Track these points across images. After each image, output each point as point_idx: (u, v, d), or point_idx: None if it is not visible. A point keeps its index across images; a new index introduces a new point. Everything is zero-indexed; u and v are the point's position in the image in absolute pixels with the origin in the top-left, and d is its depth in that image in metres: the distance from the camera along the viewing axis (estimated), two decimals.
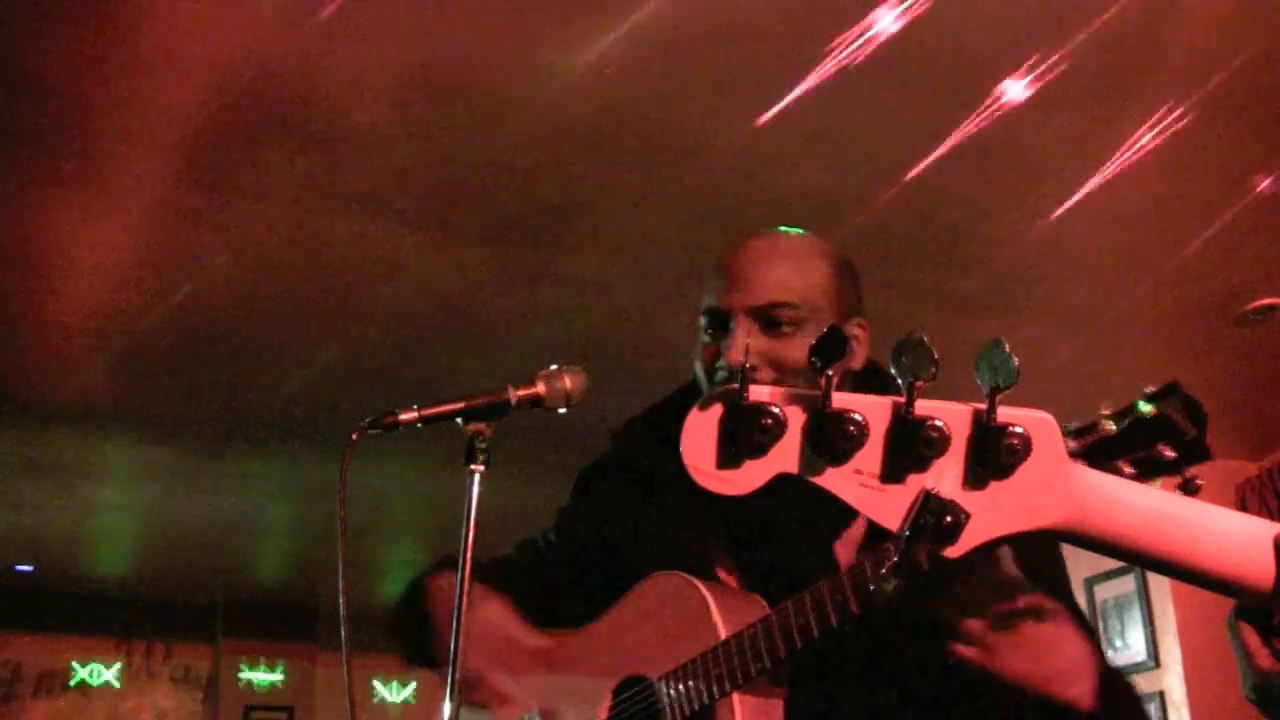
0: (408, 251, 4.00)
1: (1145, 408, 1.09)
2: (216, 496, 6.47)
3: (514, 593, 2.01)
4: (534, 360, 1.94)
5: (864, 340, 1.87)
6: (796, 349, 1.77)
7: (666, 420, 1.95)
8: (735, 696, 1.67)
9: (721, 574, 1.84)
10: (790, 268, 1.83)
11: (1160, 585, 5.71)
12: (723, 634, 1.71)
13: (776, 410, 0.81)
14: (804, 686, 1.69)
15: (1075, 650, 1.52)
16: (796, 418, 0.82)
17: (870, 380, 1.80)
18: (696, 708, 1.72)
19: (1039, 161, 3.53)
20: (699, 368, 1.86)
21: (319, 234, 3.91)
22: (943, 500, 0.83)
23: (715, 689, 1.69)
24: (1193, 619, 5.63)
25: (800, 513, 1.63)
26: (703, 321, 1.86)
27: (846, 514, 1.63)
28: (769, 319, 1.79)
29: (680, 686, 1.75)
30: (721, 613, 1.73)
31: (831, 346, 0.80)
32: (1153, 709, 5.70)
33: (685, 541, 1.87)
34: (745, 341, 1.77)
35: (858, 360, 1.85)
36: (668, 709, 1.77)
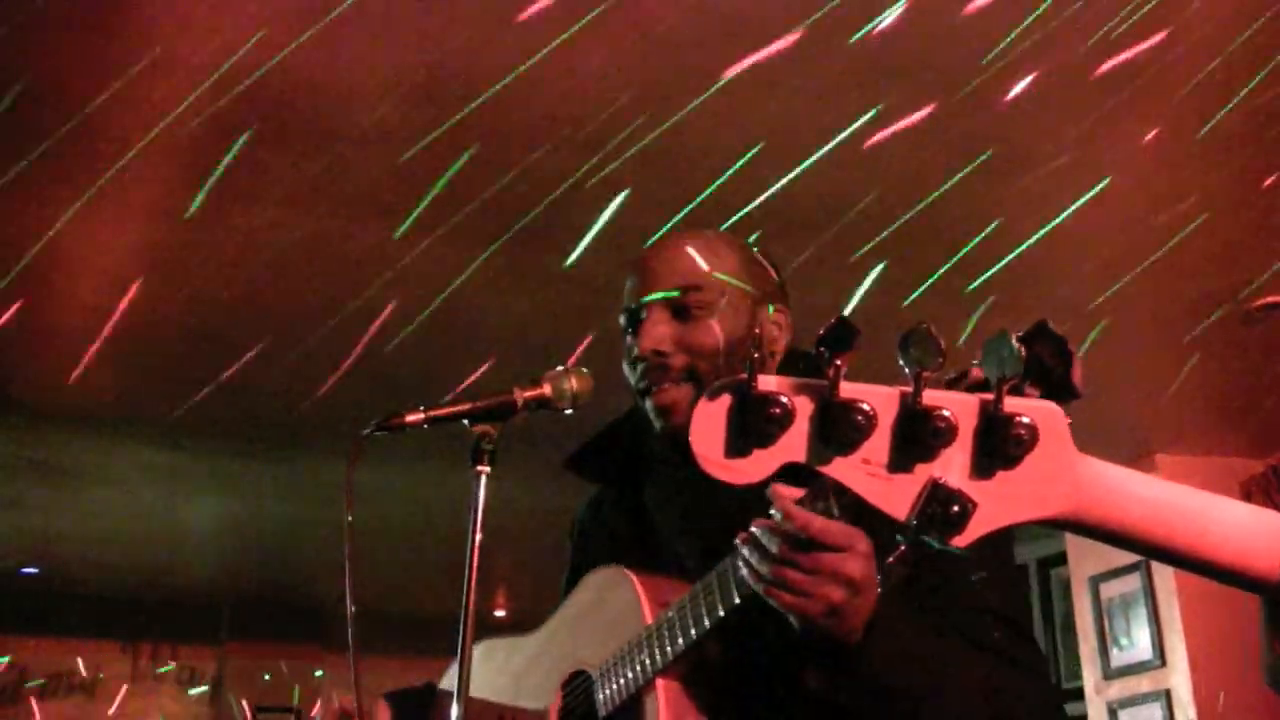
0: (412, 253, 4.00)
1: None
2: (222, 499, 6.48)
3: None
4: (540, 362, 1.95)
5: (785, 326, 1.91)
6: (708, 332, 1.82)
7: (616, 444, 2.03)
8: (659, 682, 1.69)
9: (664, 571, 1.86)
10: (695, 255, 1.87)
11: (1166, 583, 5.70)
12: (648, 620, 1.73)
13: (785, 399, 0.82)
14: (735, 672, 1.69)
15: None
16: (805, 407, 0.83)
17: (794, 365, 1.85)
18: (628, 695, 1.74)
19: (1043, 159, 3.53)
20: (626, 370, 1.89)
21: (323, 235, 3.91)
22: (950, 490, 0.84)
23: (642, 675, 1.71)
24: (1198, 618, 5.63)
25: (751, 510, 1.64)
26: (621, 324, 1.92)
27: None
28: (678, 305, 1.83)
29: (613, 675, 1.78)
30: (650, 600, 1.76)
31: (838, 336, 0.81)
32: (1159, 708, 5.70)
33: (628, 557, 1.90)
34: (657, 330, 1.82)
35: (780, 346, 1.89)
36: (603, 699, 1.80)
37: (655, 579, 1.80)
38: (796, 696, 1.57)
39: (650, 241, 2.02)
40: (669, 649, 1.67)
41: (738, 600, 1.57)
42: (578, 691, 1.88)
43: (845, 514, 1.46)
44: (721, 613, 1.59)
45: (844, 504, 1.45)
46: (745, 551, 1.51)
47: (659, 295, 1.84)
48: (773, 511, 1.48)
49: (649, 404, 1.83)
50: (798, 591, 1.46)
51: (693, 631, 1.63)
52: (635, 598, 1.78)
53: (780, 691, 1.61)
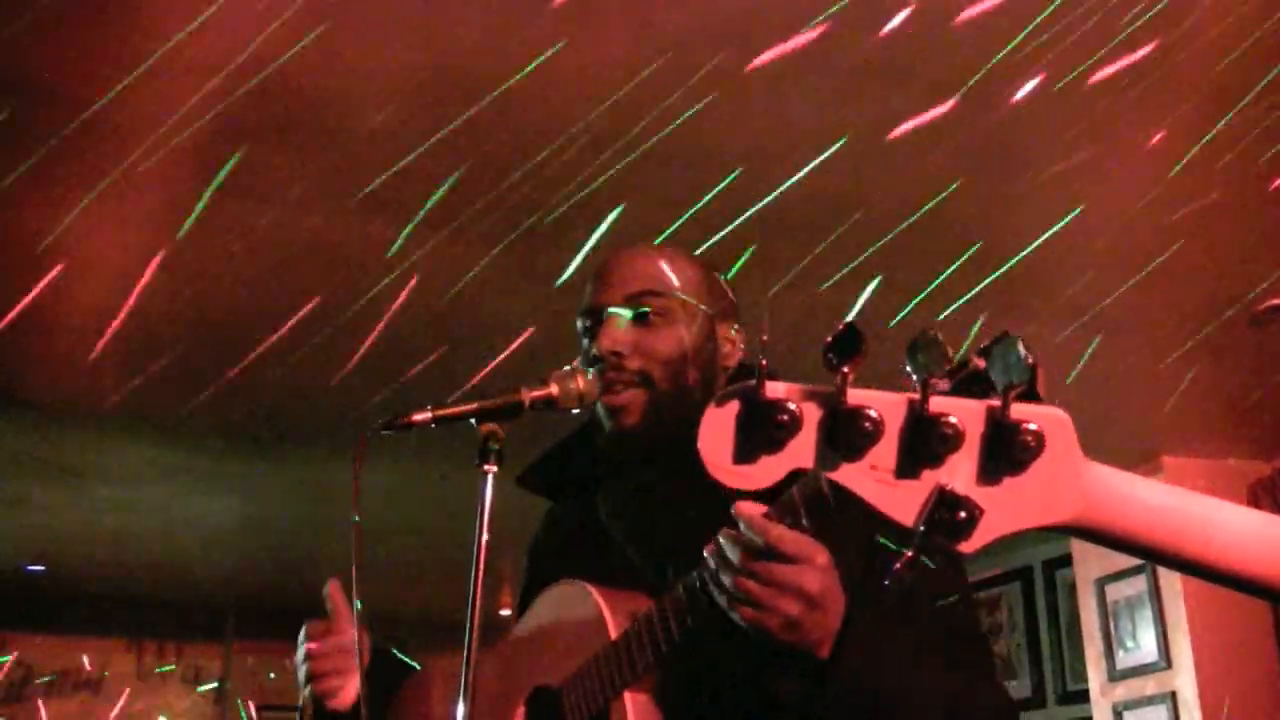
0: (419, 252, 4.01)
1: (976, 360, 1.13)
2: (228, 497, 6.49)
3: None
4: (547, 361, 1.95)
5: (738, 343, 1.96)
6: (665, 339, 1.85)
7: (568, 459, 2.05)
8: (627, 695, 1.68)
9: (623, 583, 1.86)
10: (658, 264, 1.91)
11: (1172, 586, 5.70)
12: (613, 635, 1.72)
13: (793, 406, 0.82)
14: (706, 683, 1.69)
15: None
16: (812, 413, 0.83)
17: (743, 379, 1.89)
18: (594, 710, 1.73)
19: (1052, 160, 3.53)
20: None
21: (330, 235, 3.92)
22: (957, 496, 0.84)
23: (609, 690, 1.70)
24: (1204, 620, 5.63)
25: (703, 513, 1.64)
26: (579, 326, 1.94)
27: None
28: (638, 311, 1.86)
29: (579, 691, 1.77)
30: (612, 613, 1.75)
31: (846, 343, 0.81)
32: (1164, 710, 5.69)
33: (582, 569, 1.90)
34: (616, 332, 1.84)
35: (733, 360, 1.93)
36: (569, 715, 1.78)
37: (617, 592, 1.80)
38: (768, 708, 1.57)
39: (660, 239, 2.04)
40: (637, 662, 1.66)
41: (703, 613, 1.57)
42: (542, 707, 1.87)
43: (813, 529, 1.47)
44: (689, 624, 1.59)
45: (813, 518, 1.45)
46: (710, 562, 1.52)
47: (620, 299, 1.87)
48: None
49: (603, 404, 1.86)
50: (754, 604, 1.46)
51: (661, 644, 1.62)
52: (598, 611, 1.77)
53: (752, 703, 1.61)
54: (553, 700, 1.84)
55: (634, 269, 1.90)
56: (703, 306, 1.90)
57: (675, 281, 1.88)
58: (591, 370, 1.84)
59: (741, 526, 1.49)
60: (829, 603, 1.47)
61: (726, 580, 1.49)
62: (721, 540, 1.50)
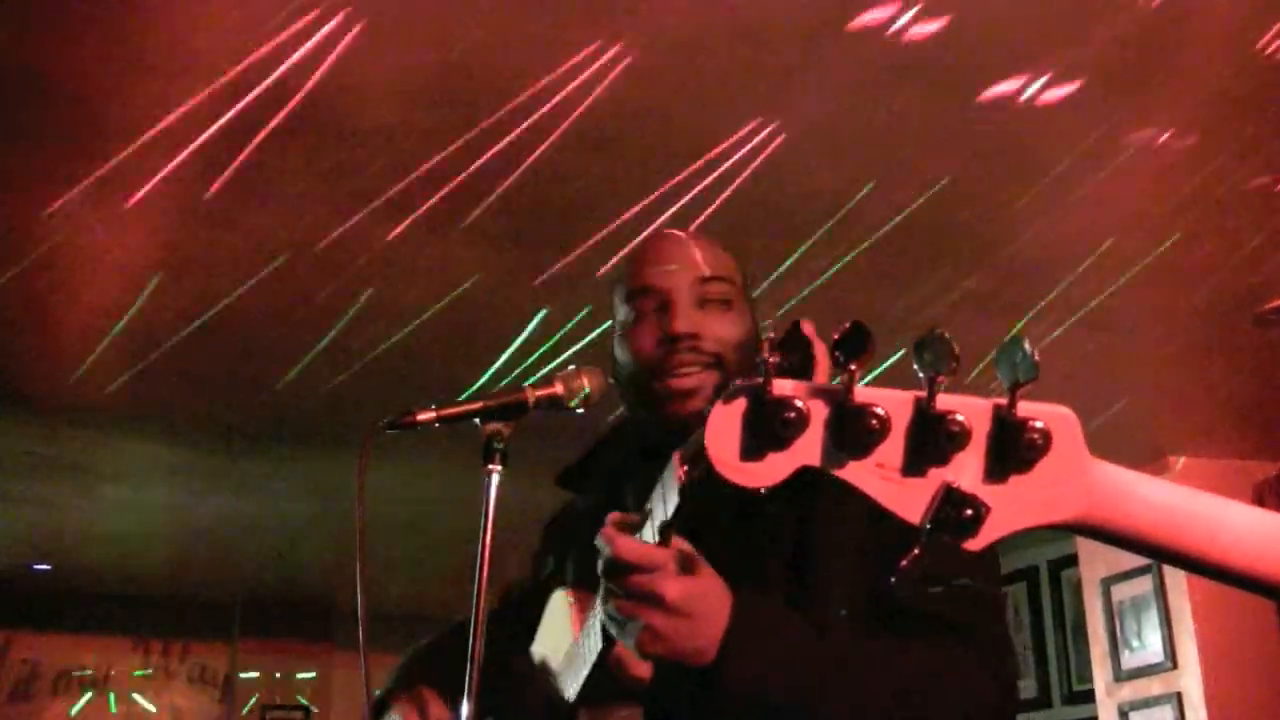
0: (427, 252, 4.01)
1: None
2: (234, 496, 6.50)
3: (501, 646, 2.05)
4: (549, 361, 1.96)
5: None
6: (735, 325, 1.81)
7: (604, 457, 2.01)
8: (581, 711, 1.68)
9: None
10: (715, 250, 1.88)
11: (1177, 585, 5.69)
12: (574, 641, 1.74)
13: (800, 403, 0.82)
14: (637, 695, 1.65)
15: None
16: (819, 411, 0.84)
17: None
18: (564, 714, 1.74)
19: (1057, 160, 3.53)
20: (629, 354, 1.83)
21: (336, 235, 3.92)
22: (963, 494, 0.84)
23: (569, 696, 1.72)
24: (1210, 620, 5.62)
25: (728, 532, 1.63)
26: (627, 307, 1.86)
27: (771, 530, 1.63)
28: (704, 296, 1.81)
29: (555, 699, 1.78)
30: (580, 618, 1.75)
31: (853, 341, 0.81)
32: (1170, 710, 5.69)
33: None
34: (691, 313, 1.79)
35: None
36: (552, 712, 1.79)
37: (588, 595, 1.77)
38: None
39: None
40: (581, 671, 1.66)
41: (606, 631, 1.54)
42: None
43: (732, 533, 1.47)
44: (600, 643, 1.57)
45: (671, 524, 1.40)
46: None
47: (690, 281, 1.81)
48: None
49: (665, 386, 1.77)
50: (618, 618, 1.43)
51: (592, 657, 1.61)
52: (567, 617, 1.79)
53: (669, 715, 1.58)
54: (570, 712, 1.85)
55: (695, 255, 1.85)
56: (745, 291, 1.89)
57: (730, 269, 1.86)
58: (597, 370, 1.83)
59: (598, 540, 1.45)
60: (697, 608, 1.41)
61: (600, 594, 1.47)
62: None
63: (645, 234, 1.99)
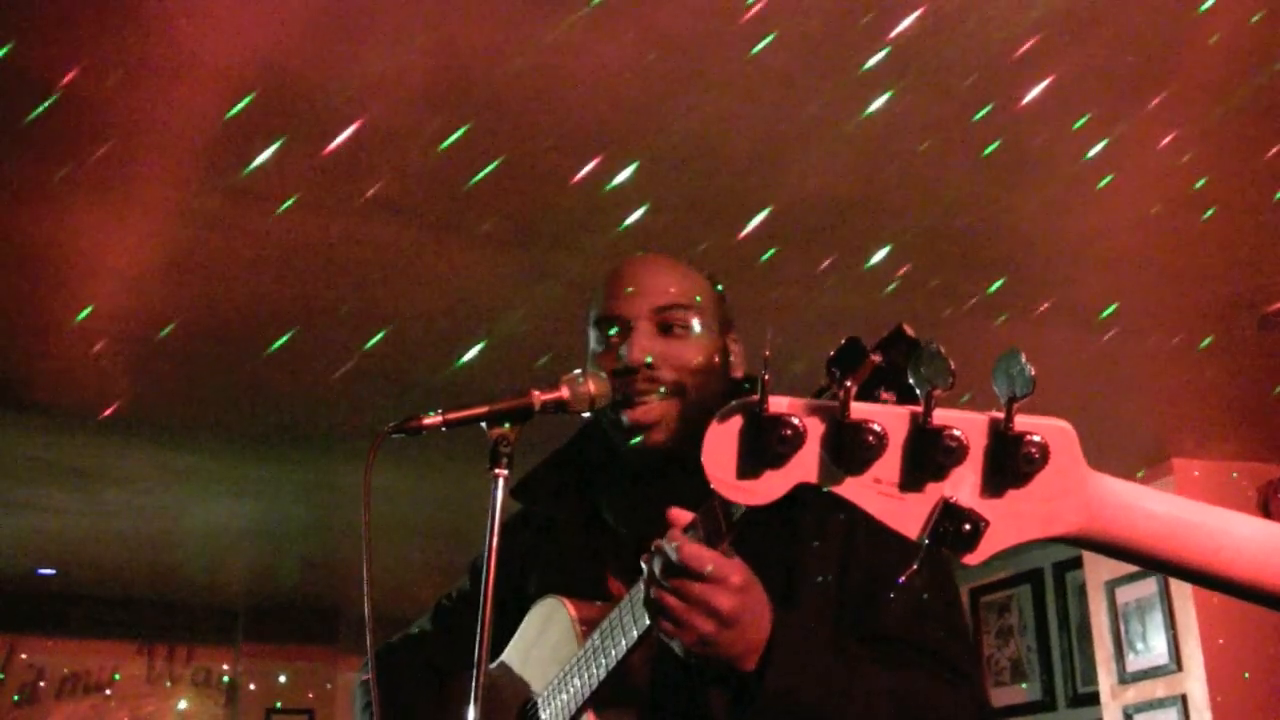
0: (428, 255, 4.01)
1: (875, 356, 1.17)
2: (237, 500, 6.50)
3: (434, 659, 2.12)
4: (558, 364, 1.96)
5: (740, 354, 1.99)
6: (694, 351, 1.87)
7: (566, 468, 2.05)
8: (589, 711, 1.73)
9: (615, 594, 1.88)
10: (680, 276, 1.94)
11: (1182, 589, 5.68)
12: (580, 645, 1.76)
13: (796, 421, 0.82)
14: (657, 695, 1.72)
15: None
16: (815, 428, 0.83)
17: (749, 390, 1.92)
18: (567, 718, 1.78)
19: (1060, 162, 3.52)
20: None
21: (338, 237, 3.92)
22: (961, 508, 0.84)
23: (576, 699, 1.75)
24: (1215, 622, 5.61)
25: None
26: (595, 333, 1.94)
27: (762, 549, 1.66)
28: (665, 322, 1.87)
29: (553, 699, 1.82)
30: (582, 625, 1.79)
31: (849, 357, 0.81)
32: (1175, 713, 5.68)
33: (581, 571, 1.93)
34: (648, 342, 1.85)
35: (738, 372, 1.96)
36: None
37: (589, 605, 1.83)
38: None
39: (639, 252, 2.05)
40: (596, 672, 1.70)
41: (644, 625, 1.60)
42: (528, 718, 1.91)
43: (734, 544, 1.50)
44: (636, 634, 1.62)
45: (733, 527, 1.47)
46: (645, 573, 1.55)
47: (649, 309, 1.87)
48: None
49: (624, 416, 1.85)
50: (670, 618, 1.50)
51: (614, 653, 1.66)
52: (569, 623, 1.81)
53: (693, 716, 1.64)
54: (534, 710, 1.87)
55: (658, 282, 1.90)
56: (717, 316, 1.93)
57: (694, 295, 1.90)
58: (603, 373, 1.84)
59: (664, 540, 1.51)
60: (745, 619, 1.50)
61: (651, 593, 1.52)
62: (653, 552, 1.53)
63: (615, 261, 2.02)
